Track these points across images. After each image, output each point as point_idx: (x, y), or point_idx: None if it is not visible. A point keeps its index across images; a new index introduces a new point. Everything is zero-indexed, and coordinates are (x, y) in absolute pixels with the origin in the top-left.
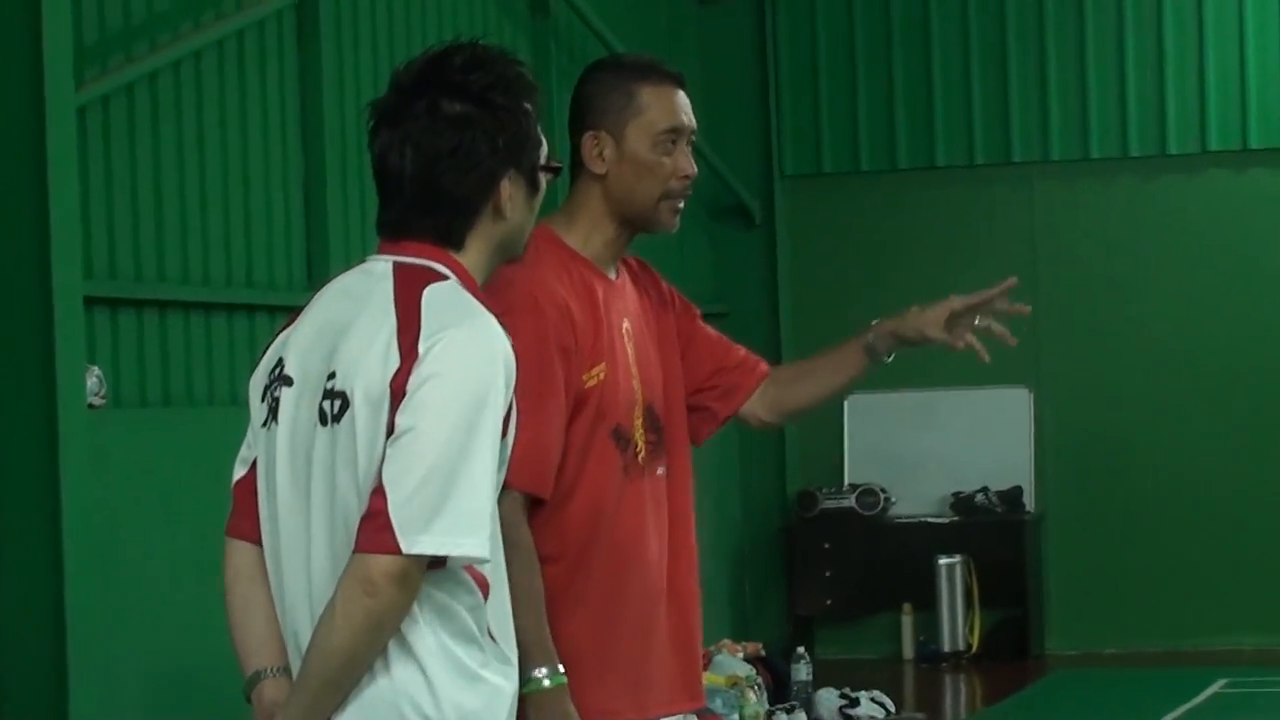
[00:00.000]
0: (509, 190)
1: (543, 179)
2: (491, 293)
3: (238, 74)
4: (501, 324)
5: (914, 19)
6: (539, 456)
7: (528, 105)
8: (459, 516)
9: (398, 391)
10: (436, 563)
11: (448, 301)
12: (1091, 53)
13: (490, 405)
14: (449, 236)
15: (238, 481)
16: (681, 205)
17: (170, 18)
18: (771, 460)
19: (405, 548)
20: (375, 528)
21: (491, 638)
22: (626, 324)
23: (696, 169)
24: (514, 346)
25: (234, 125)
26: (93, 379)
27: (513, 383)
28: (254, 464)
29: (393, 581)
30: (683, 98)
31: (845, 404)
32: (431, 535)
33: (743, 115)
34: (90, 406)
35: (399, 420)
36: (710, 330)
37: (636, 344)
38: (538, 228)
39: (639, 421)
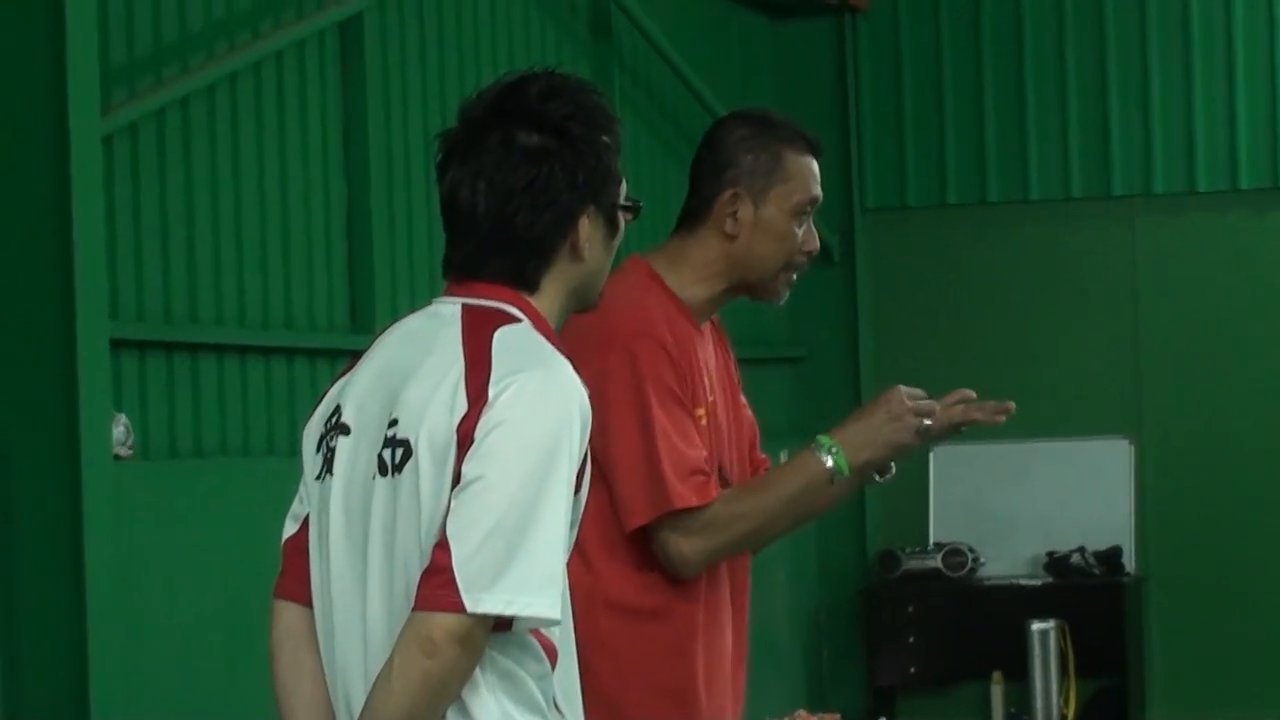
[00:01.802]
0: (588, 230)
1: (622, 219)
2: (593, 324)
3: (276, 99)
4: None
5: (1006, 40)
6: (685, 465)
7: (607, 138)
8: (528, 574)
9: (465, 438)
10: (502, 625)
11: (520, 345)
12: (1199, 77)
13: (564, 456)
14: (523, 279)
15: (288, 539)
16: (794, 280)
17: (204, 38)
18: (851, 517)
19: (470, 606)
20: (438, 584)
21: (558, 709)
22: (709, 379)
23: (820, 243)
24: (641, 370)
25: (272, 154)
26: (119, 428)
27: (588, 434)
28: (305, 520)
29: (454, 642)
30: (818, 169)
31: (930, 456)
32: (498, 594)
33: (821, 144)
34: (116, 457)
35: (466, 469)
36: (749, 414)
37: (714, 401)
38: (633, 261)
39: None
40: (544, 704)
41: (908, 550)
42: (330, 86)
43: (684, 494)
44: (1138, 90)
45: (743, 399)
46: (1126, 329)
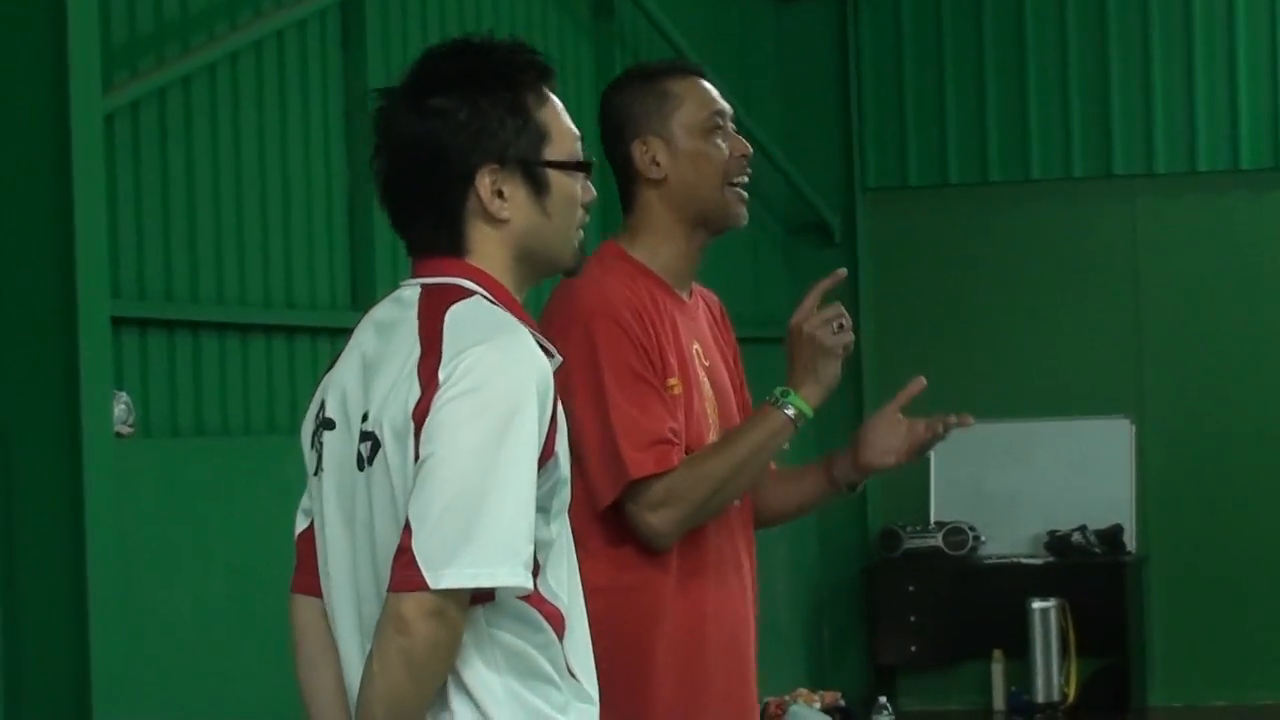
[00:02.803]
0: (493, 187)
1: (556, 176)
2: (558, 308)
3: (278, 78)
4: (570, 333)
5: (1008, 20)
6: (644, 436)
7: (520, 94)
8: (488, 546)
9: (419, 419)
10: (483, 597)
11: (469, 319)
12: (1200, 56)
13: (520, 422)
14: (447, 242)
15: (300, 534)
16: (746, 193)
17: (205, 18)
18: (851, 496)
19: (432, 583)
20: (402, 565)
21: (573, 675)
22: (696, 346)
23: (751, 147)
24: (597, 350)
25: (273, 133)
26: (120, 406)
27: (549, 401)
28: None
29: (426, 618)
30: (709, 84)
31: None
32: (458, 568)
33: (822, 123)
34: (117, 435)
35: (421, 449)
36: (747, 398)
37: (710, 369)
38: (604, 245)
39: None
40: (553, 672)
41: (909, 529)
42: (331, 65)
43: (641, 461)
44: (1139, 70)
45: (743, 383)
46: (1127, 308)
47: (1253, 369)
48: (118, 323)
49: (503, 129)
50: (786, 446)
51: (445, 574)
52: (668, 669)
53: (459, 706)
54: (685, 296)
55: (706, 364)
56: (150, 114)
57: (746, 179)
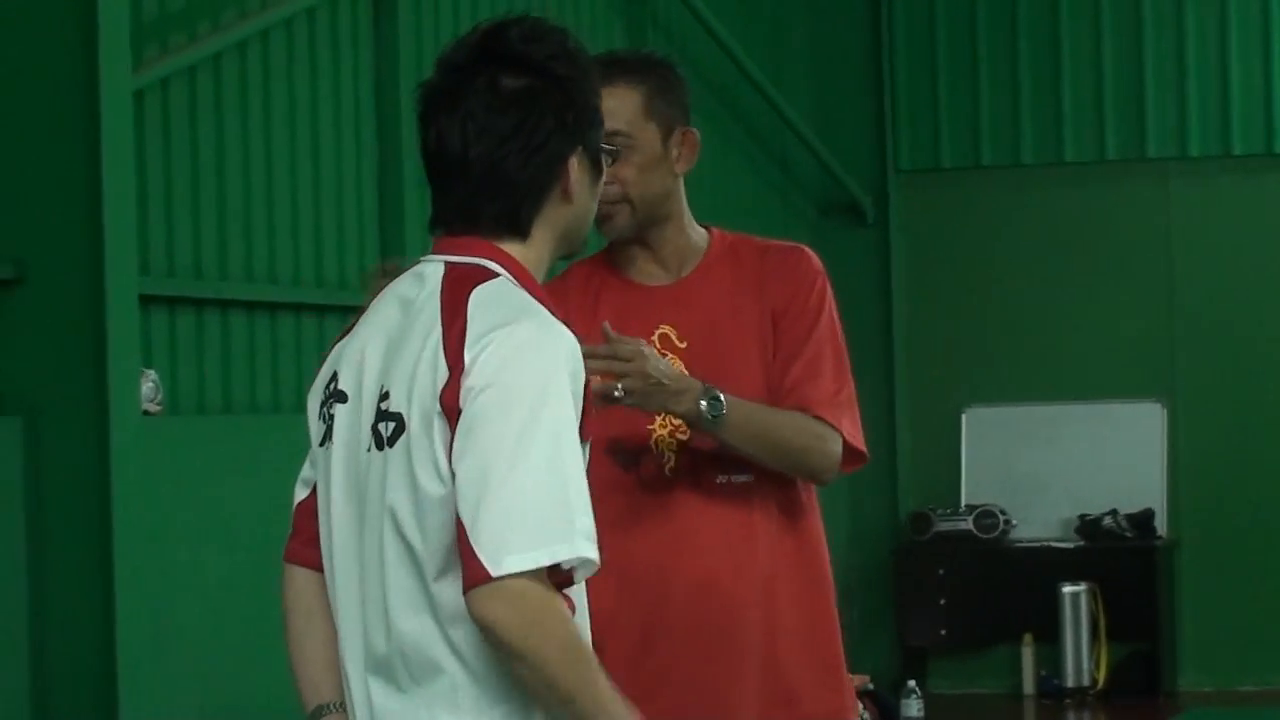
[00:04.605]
0: (576, 171)
1: (604, 161)
2: None
3: (308, 55)
4: None
5: (1041, 2)
6: None
7: (594, 83)
8: (542, 524)
9: (450, 408)
10: (562, 580)
11: (495, 300)
12: (1234, 38)
13: (555, 400)
14: (515, 225)
15: (299, 504)
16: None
17: None
18: (882, 478)
19: (494, 571)
20: (465, 561)
21: None
22: (665, 329)
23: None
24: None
25: (304, 111)
26: (148, 384)
27: (581, 378)
28: (315, 485)
29: (498, 607)
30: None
31: (963, 417)
32: (518, 552)
33: (855, 105)
34: (145, 413)
35: (458, 445)
36: (791, 339)
37: (688, 349)
38: None
39: (664, 431)
40: None
41: (939, 512)
42: (362, 43)
43: None
44: (1173, 53)
45: (785, 323)
46: (1160, 292)
47: None
48: (146, 301)
49: (590, 116)
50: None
51: (506, 560)
52: (614, 657)
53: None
54: (667, 279)
55: (683, 345)
56: (180, 91)
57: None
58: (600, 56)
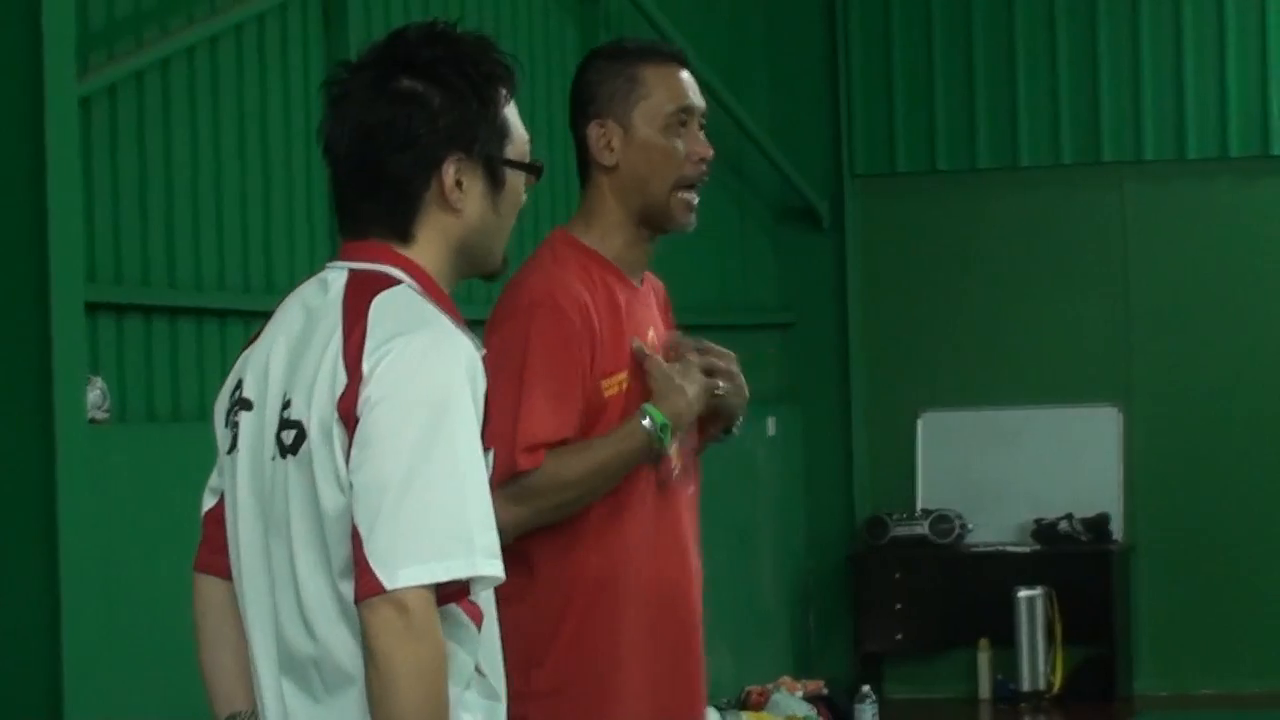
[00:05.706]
0: (455, 176)
1: (510, 175)
2: (508, 295)
3: (258, 62)
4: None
5: (997, 6)
6: (541, 432)
7: (492, 90)
8: (440, 538)
9: (348, 415)
10: (454, 594)
11: (395, 309)
12: (1189, 42)
13: (454, 410)
14: (393, 226)
15: (207, 512)
16: (696, 199)
17: (184, 0)
18: (838, 483)
19: (388, 584)
20: (359, 573)
21: (479, 672)
22: (651, 334)
23: (713, 151)
24: (529, 339)
25: (253, 117)
26: (95, 392)
27: (481, 391)
28: (222, 494)
29: (389, 620)
30: (688, 77)
31: (919, 422)
32: (413, 565)
33: (811, 110)
34: (92, 421)
35: (355, 454)
36: None
37: (665, 356)
38: (555, 232)
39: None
40: (469, 674)
41: (895, 517)
42: (312, 49)
43: (525, 458)
44: (1128, 57)
45: None
46: (1116, 296)
47: (1241, 357)
48: (93, 308)
49: (474, 120)
50: (671, 452)
51: (400, 574)
52: (570, 658)
53: None
54: (637, 283)
55: (662, 349)
56: (127, 98)
57: (700, 183)
58: (658, 44)
